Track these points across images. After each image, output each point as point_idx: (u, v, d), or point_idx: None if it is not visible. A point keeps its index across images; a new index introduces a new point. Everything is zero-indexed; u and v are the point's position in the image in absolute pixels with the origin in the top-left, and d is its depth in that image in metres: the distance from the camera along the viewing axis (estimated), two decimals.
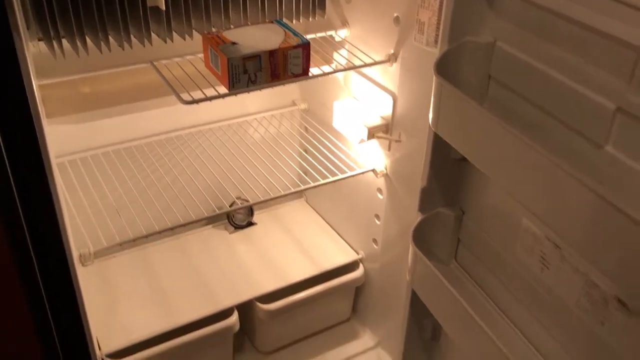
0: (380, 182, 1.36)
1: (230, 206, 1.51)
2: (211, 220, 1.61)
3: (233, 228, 1.60)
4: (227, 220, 1.61)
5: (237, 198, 1.55)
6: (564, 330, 0.90)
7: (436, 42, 1.07)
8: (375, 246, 1.45)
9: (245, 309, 1.40)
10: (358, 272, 1.49)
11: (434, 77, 0.90)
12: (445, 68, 0.92)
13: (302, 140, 1.54)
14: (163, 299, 1.37)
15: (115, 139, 1.38)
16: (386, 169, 1.33)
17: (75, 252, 1.05)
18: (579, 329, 0.86)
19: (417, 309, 1.18)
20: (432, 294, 1.09)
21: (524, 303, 0.98)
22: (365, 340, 1.55)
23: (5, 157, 0.86)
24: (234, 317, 1.35)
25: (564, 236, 0.81)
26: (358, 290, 1.56)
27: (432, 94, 0.93)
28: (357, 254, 1.52)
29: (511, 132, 0.78)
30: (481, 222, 1.04)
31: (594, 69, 0.76)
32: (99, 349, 1.22)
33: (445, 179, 1.05)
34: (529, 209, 0.87)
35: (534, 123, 0.87)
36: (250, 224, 1.62)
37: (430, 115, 0.95)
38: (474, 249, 1.07)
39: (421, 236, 1.08)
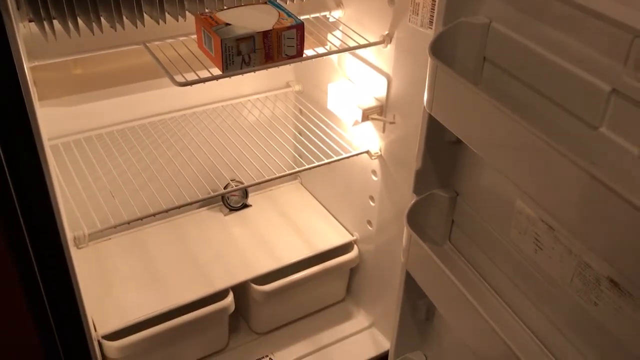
0: (375, 163, 1.36)
1: (224, 188, 1.51)
2: (206, 202, 1.61)
3: (228, 210, 1.60)
4: (221, 203, 1.61)
5: (232, 180, 1.54)
6: (557, 310, 0.91)
7: (431, 23, 1.07)
8: (369, 228, 1.46)
9: (241, 290, 1.40)
10: (352, 254, 1.49)
11: (429, 59, 0.90)
12: (440, 49, 0.91)
13: (297, 122, 1.54)
14: (158, 280, 1.37)
15: (108, 121, 1.37)
16: (380, 151, 1.33)
17: (69, 234, 1.05)
18: (572, 309, 0.86)
19: (412, 290, 1.18)
20: (426, 275, 1.09)
21: (517, 284, 0.99)
22: (360, 320, 1.56)
23: None
24: (229, 299, 1.35)
25: (558, 217, 0.82)
26: (352, 271, 1.57)
27: (427, 76, 0.92)
28: (352, 235, 1.52)
29: (506, 113, 0.78)
30: (475, 204, 1.04)
31: (589, 50, 0.76)
32: (95, 330, 1.22)
33: (439, 161, 1.05)
34: (523, 190, 0.87)
35: (528, 105, 0.87)
36: (245, 206, 1.62)
37: (425, 97, 0.95)
38: (468, 230, 1.07)
39: (415, 218, 1.08)
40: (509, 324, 1.01)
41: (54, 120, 1.28)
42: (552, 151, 0.72)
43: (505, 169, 0.85)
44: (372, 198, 1.41)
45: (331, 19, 1.31)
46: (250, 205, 1.63)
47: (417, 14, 1.09)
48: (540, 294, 0.94)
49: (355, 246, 1.51)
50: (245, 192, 1.62)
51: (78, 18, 1.10)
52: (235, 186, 1.53)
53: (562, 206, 0.76)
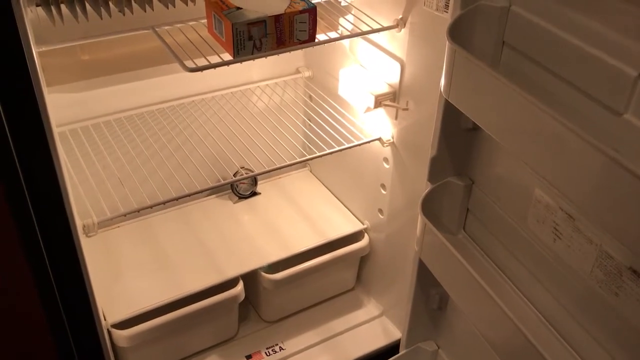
0: (387, 151, 1.34)
1: (234, 175, 1.49)
2: (215, 190, 1.59)
3: (237, 198, 1.58)
4: (231, 190, 1.59)
5: (241, 167, 1.53)
6: (576, 301, 0.89)
7: (447, 6, 1.04)
8: (380, 216, 1.44)
9: (250, 278, 1.39)
10: (363, 242, 1.48)
11: (447, 43, 0.87)
12: (457, 33, 0.89)
13: (307, 109, 1.51)
14: (168, 269, 1.36)
15: (117, 107, 1.35)
16: (393, 138, 1.31)
17: (79, 222, 1.04)
18: (592, 299, 0.85)
19: (424, 279, 1.17)
20: (441, 264, 1.08)
21: (534, 273, 0.97)
22: (370, 309, 1.55)
23: (6, 127, 0.84)
24: (239, 287, 1.34)
25: (578, 204, 0.80)
26: (363, 259, 1.55)
27: (445, 61, 0.90)
28: (362, 223, 1.51)
29: (526, 99, 0.76)
30: (491, 192, 1.02)
31: (614, 34, 0.74)
32: (104, 319, 1.21)
33: (455, 148, 1.03)
34: (543, 177, 0.85)
35: (549, 90, 0.85)
36: (254, 193, 1.60)
37: (442, 83, 0.92)
38: (484, 218, 1.06)
39: (430, 206, 1.06)
40: (524, 312, 1.00)
41: (62, 107, 1.27)
42: (574, 137, 0.70)
43: (524, 155, 0.83)
44: (383, 186, 1.39)
45: (343, 3, 1.28)
46: (260, 193, 1.61)
47: None
48: (557, 284, 0.93)
49: (365, 234, 1.49)
50: (254, 180, 1.60)
51: (86, 2, 1.08)
52: (245, 173, 1.52)
53: (583, 193, 0.74)
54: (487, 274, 1.06)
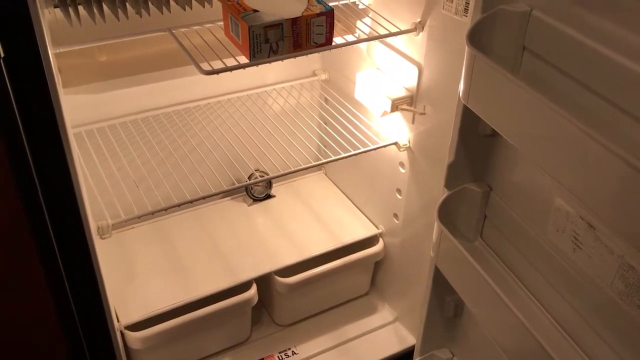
0: (403, 155, 1.32)
1: (248, 178, 1.49)
2: (230, 192, 1.58)
3: (251, 200, 1.58)
4: (245, 193, 1.58)
5: (256, 170, 1.52)
6: (595, 311, 0.87)
7: (466, 10, 1.03)
8: (396, 221, 1.42)
9: (264, 282, 1.38)
10: (378, 247, 1.46)
11: (466, 48, 0.86)
12: (477, 38, 0.87)
13: (322, 112, 1.50)
14: (181, 271, 1.35)
15: (132, 109, 1.35)
16: (409, 143, 1.29)
17: (93, 224, 1.04)
18: (611, 311, 0.83)
19: (440, 286, 1.15)
20: (457, 271, 1.06)
21: (552, 282, 0.95)
22: (384, 314, 1.54)
23: (21, 128, 0.84)
24: (253, 290, 1.33)
25: (600, 213, 0.78)
26: (377, 264, 1.54)
27: (464, 66, 0.88)
28: (377, 228, 1.49)
29: (547, 105, 0.74)
30: (510, 199, 1.00)
31: (638, 40, 0.72)
32: (117, 321, 1.21)
33: (473, 155, 1.02)
34: (563, 185, 0.83)
35: (571, 97, 0.83)
36: (269, 196, 1.60)
37: (461, 88, 0.91)
38: (501, 226, 1.04)
39: (446, 212, 1.05)
40: (541, 322, 0.98)
41: (78, 108, 1.27)
42: (595, 144, 0.68)
43: (544, 163, 0.81)
44: (399, 191, 1.38)
45: (360, 6, 1.27)
46: (274, 196, 1.60)
47: (452, 1, 1.05)
48: (576, 293, 0.91)
49: (380, 239, 1.48)
50: (269, 183, 1.60)
51: (103, 4, 1.08)
52: (260, 176, 1.51)
53: (604, 202, 0.72)
54: (503, 281, 1.04)
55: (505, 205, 1.01)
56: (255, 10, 1.01)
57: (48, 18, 1.08)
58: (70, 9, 1.07)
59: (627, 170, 0.65)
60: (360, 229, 1.50)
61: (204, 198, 1.16)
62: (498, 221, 1.04)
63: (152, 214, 1.13)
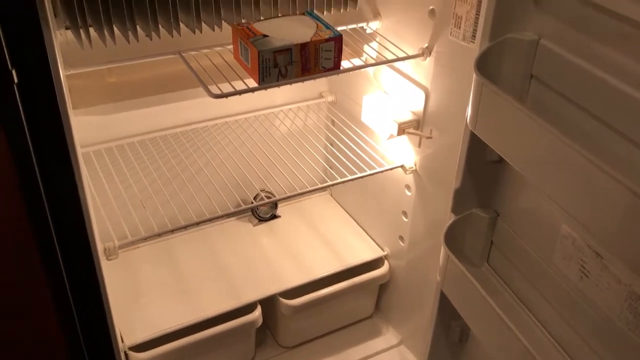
0: (409, 178, 1.33)
1: (254, 198, 1.49)
2: (235, 212, 1.58)
3: (257, 220, 1.58)
4: (250, 213, 1.59)
5: (262, 190, 1.53)
6: (603, 342, 0.86)
7: (474, 37, 1.04)
8: (401, 243, 1.42)
9: (268, 303, 1.38)
10: (383, 269, 1.46)
11: (474, 76, 0.87)
12: (484, 65, 0.88)
13: (329, 133, 1.51)
14: (186, 291, 1.35)
15: (140, 130, 1.36)
16: (415, 166, 1.29)
17: (100, 246, 1.04)
18: (620, 341, 0.82)
19: (446, 311, 1.15)
20: (463, 297, 1.06)
21: (559, 311, 0.95)
22: (389, 337, 1.53)
23: (31, 149, 0.84)
24: (257, 312, 1.33)
25: (606, 242, 0.78)
26: (382, 287, 1.53)
27: (471, 93, 0.89)
28: (383, 250, 1.49)
29: (553, 133, 0.75)
30: (516, 226, 1.00)
31: None
32: (122, 341, 1.21)
33: (479, 180, 1.02)
34: (570, 214, 0.83)
35: (578, 125, 0.83)
36: (274, 216, 1.60)
37: (468, 115, 0.91)
38: (508, 252, 1.04)
39: (453, 237, 1.05)
40: (548, 350, 0.97)
41: (87, 128, 1.28)
42: (601, 173, 0.69)
43: (550, 191, 0.82)
44: (404, 213, 1.38)
45: (368, 30, 1.28)
46: (280, 216, 1.60)
47: (459, 27, 1.06)
48: (583, 322, 0.90)
49: (386, 261, 1.48)
50: (274, 203, 1.60)
51: (114, 26, 1.09)
52: (265, 196, 1.52)
53: (610, 231, 0.72)
54: (510, 308, 1.04)
55: (512, 232, 1.01)
56: (265, 35, 1.02)
57: (60, 40, 1.10)
58: (82, 31, 1.08)
59: (633, 199, 0.65)
60: (366, 250, 1.50)
61: (209, 220, 1.16)
62: (505, 247, 1.04)
63: (159, 235, 1.13)
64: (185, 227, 1.15)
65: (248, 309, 1.33)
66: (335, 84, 1.54)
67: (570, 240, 0.87)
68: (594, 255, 0.84)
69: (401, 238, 1.42)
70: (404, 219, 1.39)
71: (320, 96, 1.55)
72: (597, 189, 0.71)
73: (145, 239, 1.12)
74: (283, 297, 1.36)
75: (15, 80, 0.75)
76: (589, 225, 0.76)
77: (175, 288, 1.36)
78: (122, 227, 1.14)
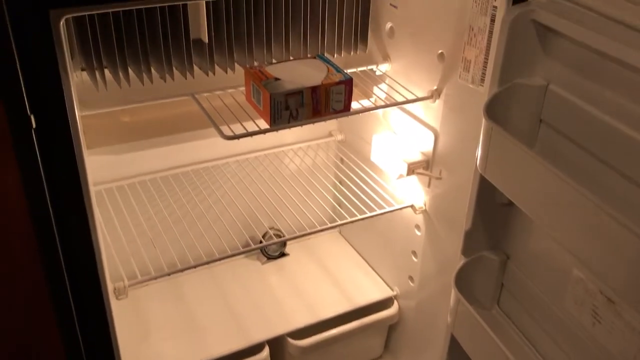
0: (419, 218, 1.33)
1: (263, 236, 1.49)
2: (244, 252, 1.59)
3: (265, 258, 1.58)
4: (259, 250, 1.59)
5: (270, 228, 1.53)
6: None
7: (482, 80, 1.05)
8: (411, 283, 1.41)
9: (276, 343, 1.37)
10: (392, 310, 1.45)
11: (484, 120, 0.87)
12: (494, 110, 0.89)
13: (338, 172, 1.52)
14: (194, 330, 1.35)
15: (151, 168, 1.37)
16: (425, 206, 1.30)
17: (110, 286, 1.04)
18: None
19: (456, 353, 1.13)
20: (473, 340, 1.05)
21: (571, 356, 0.94)
22: None
23: (46, 191, 0.85)
24: (265, 353, 1.32)
25: (616, 288, 0.78)
26: (391, 327, 1.52)
27: (481, 137, 0.90)
28: (392, 290, 1.48)
29: (565, 180, 0.75)
30: (527, 269, 1.00)
31: None
32: None
33: (490, 223, 1.02)
34: (581, 260, 0.83)
35: (587, 170, 0.84)
36: (283, 254, 1.60)
37: (478, 158, 0.92)
38: (519, 295, 1.03)
39: (464, 280, 1.04)
40: None
41: (99, 167, 1.29)
42: (611, 219, 0.69)
43: (560, 235, 0.82)
44: (414, 253, 1.37)
45: (378, 72, 1.30)
46: (288, 254, 1.60)
47: (468, 70, 1.07)
48: None
49: (395, 302, 1.47)
50: (283, 241, 1.60)
51: (129, 68, 1.11)
52: (274, 234, 1.52)
53: (620, 277, 0.72)
54: (520, 352, 1.03)
55: (523, 275, 1.01)
56: (277, 78, 1.04)
57: (75, 81, 1.12)
58: (97, 73, 1.10)
59: None
60: (375, 290, 1.49)
61: (219, 259, 1.17)
62: (515, 290, 1.04)
63: (169, 274, 1.14)
64: (194, 267, 1.15)
65: (256, 349, 1.32)
66: (344, 123, 1.55)
67: (582, 285, 0.87)
68: (607, 301, 0.83)
69: (411, 278, 1.41)
70: (414, 259, 1.38)
71: (330, 135, 1.57)
72: (608, 235, 0.71)
73: (155, 278, 1.12)
74: (291, 338, 1.35)
75: (34, 125, 0.76)
76: (599, 271, 0.75)
77: (183, 327, 1.36)
78: (132, 266, 1.14)
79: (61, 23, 0.75)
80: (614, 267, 0.72)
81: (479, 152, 0.92)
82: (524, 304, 1.02)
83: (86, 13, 0.96)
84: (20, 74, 0.73)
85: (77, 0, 0.75)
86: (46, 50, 0.74)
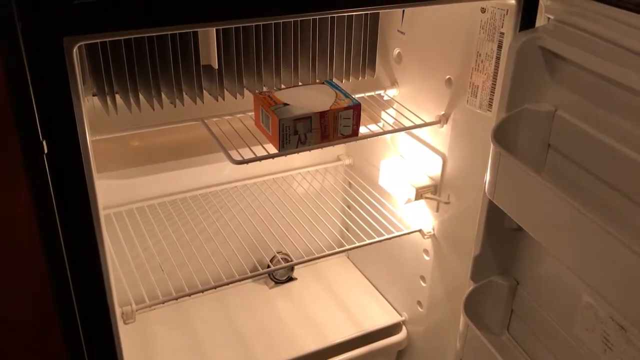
0: (427, 243, 1.32)
1: (271, 260, 1.49)
2: (252, 276, 1.58)
3: (273, 283, 1.57)
4: (267, 275, 1.58)
5: (278, 252, 1.53)
6: None
7: (490, 105, 1.05)
8: (419, 309, 1.40)
9: None
10: (401, 335, 1.44)
11: (492, 146, 0.88)
12: (502, 135, 0.89)
13: (346, 196, 1.52)
14: (201, 356, 1.34)
15: (160, 192, 1.38)
16: (434, 230, 1.29)
17: (118, 310, 1.04)
18: None
19: None
20: None
21: None
22: None
23: (56, 216, 0.86)
24: None
25: (626, 315, 0.77)
26: (400, 353, 1.51)
27: (489, 162, 0.90)
28: (400, 315, 1.47)
29: (574, 206, 0.75)
30: (537, 295, 0.99)
31: None
32: None
33: (499, 248, 1.02)
34: (591, 286, 0.82)
35: (598, 197, 0.84)
36: (290, 279, 1.59)
37: (487, 184, 0.92)
38: (529, 321, 1.02)
39: (473, 305, 1.04)
40: None
41: (109, 190, 1.30)
42: (622, 246, 0.69)
43: (570, 262, 0.81)
44: (423, 278, 1.37)
45: (385, 97, 1.31)
46: (296, 279, 1.60)
47: (476, 96, 1.08)
48: None
49: (403, 327, 1.45)
50: (291, 266, 1.60)
51: (139, 93, 1.13)
52: (282, 258, 1.52)
53: (630, 304, 0.71)
54: None
55: (532, 300, 1.00)
56: (286, 104, 1.05)
57: (86, 106, 1.13)
58: (108, 98, 1.12)
59: None
60: (383, 315, 1.48)
61: (226, 284, 1.17)
62: (525, 316, 1.03)
63: (176, 299, 1.13)
64: (202, 292, 1.14)
65: None
66: (352, 148, 1.56)
67: (592, 312, 0.86)
68: (618, 328, 0.82)
69: (419, 303, 1.40)
70: (422, 283, 1.37)
71: (338, 159, 1.57)
72: (617, 261, 0.71)
73: (163, 302, 1.12)
74: None
75: (45, 151, 0.77)
76: (610, 297, 0.75)
77: (190, 352, 1.35)
78: (140, 289, 1.14)
79: (74, 50, 0.76)
80: (623, 293, 0.71)
81: (487, 177, 0.92)
82: (534, 330, 1.01)
83: (99, 40, 0.98)
84: (33, 100, 0.74)
85: (92, 28, 0.76)
86: (59, 77, 0.75)
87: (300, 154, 1.49)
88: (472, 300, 1.03)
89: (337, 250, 1.27)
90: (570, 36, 0.84)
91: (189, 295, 1.14)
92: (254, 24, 1.14)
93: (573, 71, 0.85)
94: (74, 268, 0.92)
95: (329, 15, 1.20)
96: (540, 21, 0.90)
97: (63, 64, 0.75)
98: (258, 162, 1.18)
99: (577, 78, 0.85)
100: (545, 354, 0.99)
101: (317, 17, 1.17)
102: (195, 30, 1.08)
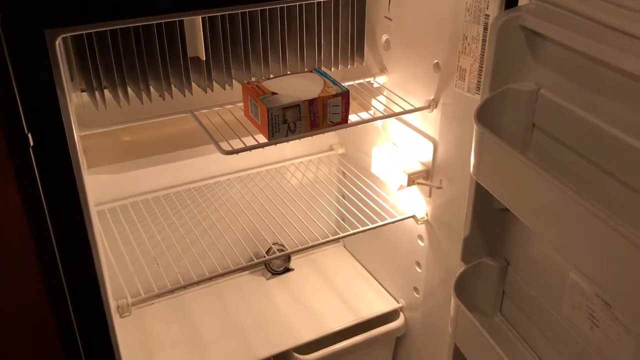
0: (421, 228, 1.33)
1: (267, 252, 1.50)
2: (248, 267, 1.59)
3: (270, 274, 1.58)
4: (264, 266, 1.59)
5: (274, 244, 1.53)
6: None
7: (478, 88, 1.06)
8: (416, 295, 1.41)
9: (283, 358, 1.37)
10: (398, 322, 1.45)
11: (475, 126, 0.88)
12: (486, 116, 0.90)
13: (340, 185, 1.53)
14: (199, 348, 1.35)
15: (154, 186, 1.39)
16: (427, 216, 1.30)
17: (113, 303, 1.05)
18: None
19: None
20: (476, 349, 1.04)
21: None
22: None
23: (45, 209, 0.86)
24: None
25: (608, 291, 0.77)
26: (398, 340, 1.51)
27: (473, 143, 0.90)
28: (398, 302, 1.48)
29: (555, 184, 0.75)
30: (526, 275, 0.99)
31: None
32: None
33: (488, 229, 1.02)
34: (575, 265, 0.82)
35: (582, 175, 0.84)
36: (287, 270, 1.60)
37: (472, 164, 0.93)
38: (520, 302, 1.03)
39: (464, 287, 1.04)
40: None
41: (101, 186, 1.31)
42: (605, 224, 0.69)
43: (554, 240, 0.82)
44: (418, 264, 1.37)
45: (375, 85, 1.31)
46: (293, 269, 1.61)
47: (464, 79, 1.08)
48: None
49: (401, 314, 1.46)
50: (287, 256, 1.60)
51: (128, 87, 1.13)
52: (278, 249, 1.52)
53: (612, 281, 0.71)
54: None
55: (522, 281, 1.00)
56: (274, 93, 1.06)
57: (75, 102, 1.14)
58: (97, 93, 1.12)
59: (634, 250, 0.65)
60: (380, 303, 1.49)
61: (222, 275, 1.17)
62: (516, 296, 1.03)
63: (172, 292, 1.14)
64: (198, 283, 1.15)
65: None
66: (345, 137, 1.56)
67: (578, 289, 0.87)
68: (603, 305, 0.83)
69: (416, 289, 1.41)
70: (418, 269, 1.38)
71: (331, 149, 1.58)
72: (600, 239, 0.71)
73: (159, 295, 1.13)
74: (297, 352, 1.35)
75: (31, 143, 0.78)
76: (594, 275, 0.75)
77: (188, 345, 1.36)
78: (135, 284, 1.15)
79: (57, 42, 0.77)
80: (607, 271, 0.72)
81: (472, 158, 0.92)
82: (524, 310, 1.01)
83: (82, 32, 0.98)
84: (16, 92, 0.75)
85: (72, 20, 0.76)
86: (42, 69, 0.76)
87: (293, 144, 1.49)
88: (463, 282, 1.04)
89: (332, 238, 1.28)
90: (552, 15, 0.84)
91: (184, 287, 1.15)
92: (239, 11, 1.14)
93: (555, 50, 0.85)
94: (66, 263, 0.93)
95: (315, 1, 1.20)
96: (524, 1, 0.90)
97: (46, 56, 0.76)
98: (250, 154, 1.18)
99: (559, 57, 0.85)
100: (536, 334, 1.00)
101: (303, 2, 1.17)
102: (181, 19, 1.08)
